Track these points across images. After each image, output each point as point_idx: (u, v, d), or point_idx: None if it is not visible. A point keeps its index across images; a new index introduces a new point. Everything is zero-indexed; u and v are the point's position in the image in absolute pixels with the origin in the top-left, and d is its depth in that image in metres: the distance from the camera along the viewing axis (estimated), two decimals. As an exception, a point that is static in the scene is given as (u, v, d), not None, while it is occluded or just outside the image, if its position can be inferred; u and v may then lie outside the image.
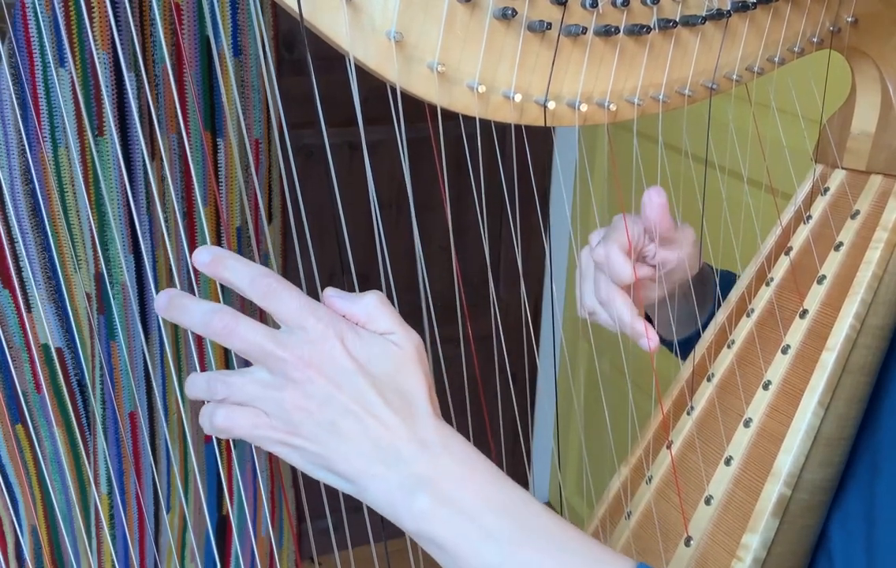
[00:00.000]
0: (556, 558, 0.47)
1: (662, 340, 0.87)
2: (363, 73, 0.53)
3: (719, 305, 0.80)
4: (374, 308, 0.50)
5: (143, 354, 1.61)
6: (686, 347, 0.84)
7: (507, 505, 0.48)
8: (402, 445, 0.47)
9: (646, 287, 0.77)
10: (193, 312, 0.48)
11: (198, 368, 0.52)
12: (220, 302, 0.49)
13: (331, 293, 0.50)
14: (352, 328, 0.48)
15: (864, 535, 0.63)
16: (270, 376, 0.47)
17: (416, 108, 0.56)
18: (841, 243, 0.72)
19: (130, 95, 1.46)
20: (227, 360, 1.71)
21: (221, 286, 1.77)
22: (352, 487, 0.48)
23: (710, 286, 0.83)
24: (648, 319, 0.89)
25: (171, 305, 0.49)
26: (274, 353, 0.47)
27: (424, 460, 0.47)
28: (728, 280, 0.85)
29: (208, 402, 0.49)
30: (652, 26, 0.60)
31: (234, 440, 1.82)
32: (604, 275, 0.74)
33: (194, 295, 0.51)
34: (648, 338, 0.70)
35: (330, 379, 0.47)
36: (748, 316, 0.75)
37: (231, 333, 0.47)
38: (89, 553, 1.66)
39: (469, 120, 0.57)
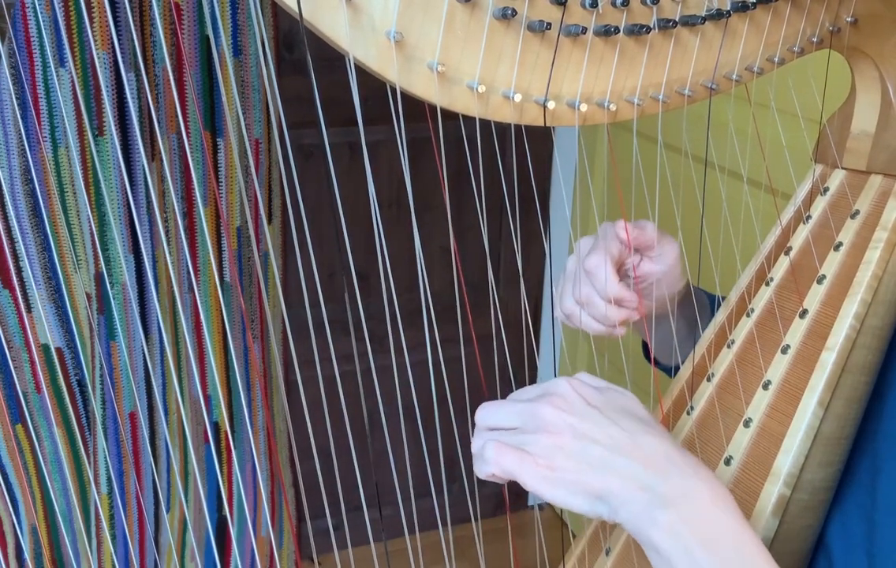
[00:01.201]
0: None
1: (658, 365, 0.87)
2: (363, 73, 0.53)
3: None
4: (587, 378, 0.57)
5: (143, 354, 1.61)
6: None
7: (745, 554, 0.50)
8: (648, 464, 0.51)
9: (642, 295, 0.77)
10: (475, 445, 0.55)
11: (195, 369, 0.52)
12: (220, 303, 0.50)
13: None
14: (582, 382, 0.55)
15: (864, 536, 0.63)
16: (529, 425, 0.53)
17: (416, 109, 0.56)
18: (841, 243, 0.72)
19: (130, 95, 1.46)
20: (227, 362, 1.71)
21: (221, 288, 1.75)
22: (606, 509, 0.51)
23: (703, 309, 0.83)
24: (645, 345, 0.89)
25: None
26: (530, 411, 0.54)
27: (670, 479, 0.51)
28: (711, 301, 0.85)
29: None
30: (652, 26, 0.60)
31: (233, 441, 1.80)
32: (586, 278, 0.74)
33: (194, 295, 0.51)
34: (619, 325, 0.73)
35: (577, 415, 0.53)
36: (748, 316, 0.75)
37: (497, 417, 0.55)
38: (89, 553, 1.66)
39: (469, 120, 0.57)
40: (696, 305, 0.81)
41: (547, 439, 0.52)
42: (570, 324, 0.76)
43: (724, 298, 0.80)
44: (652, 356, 0.87)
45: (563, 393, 0.54)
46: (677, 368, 0.80)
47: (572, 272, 0.76)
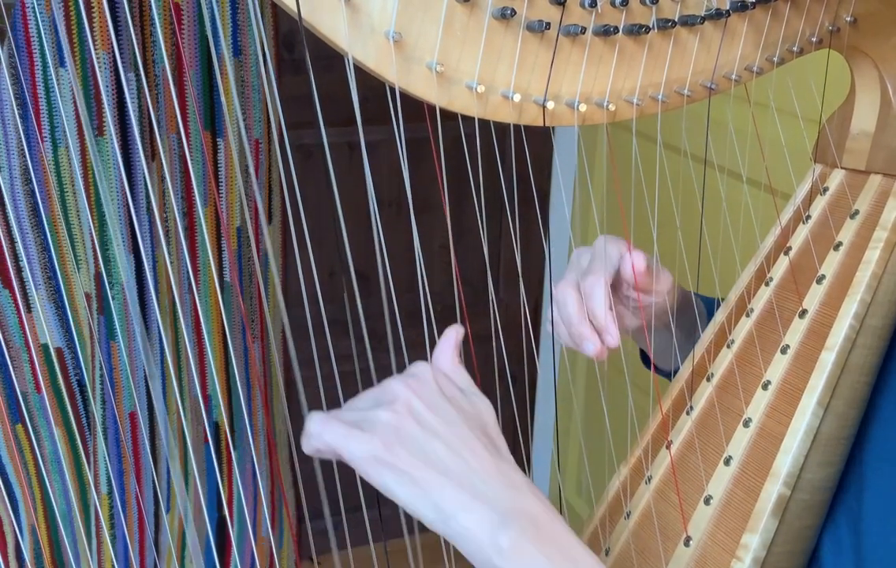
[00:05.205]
0: None
1: (659, 370, 0.87)
2: (362, 72, 0.53)
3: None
4: (461, 373, 0.54)
5: (143, 354, 1.61)
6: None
7: (577, 558, 0.48)
8: (491, 480, 0.48)
9: (623, 314, 0.77)
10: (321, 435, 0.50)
11: (194, 369, 0.53)
12: (219, 304, 0.50)
13: (453, 332, 0.56)
14: (447, 377, 0.53)
15: (853, 545, 0.63)
16: (377, 402, 0.50)
17: (416, 108, 0.56)
18: (840, 243, 0.72)
19: (130, 96, 1.46)
20: (227, 362, 1.71)
21: (221, 288, 1.74)
22: (434, 514, 0.47)
23: (702, 318, 0.83)
24: (644, 354, 0.88)
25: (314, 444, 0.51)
26: (381, 387, 0.51)
27: (513, 499, 0.48)
28: (709, 306, 0.85)
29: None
30: (651, 26, 0.60)
31: (233, 442, 1.81)
32: (573, 276, 0.72)
33: (194, 296, 0.52)
34: (605, 338, 0.68)
35: (426, 400, 0.49)
36: (747, 316, 0.75)
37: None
38: (89, 554, 1.66)
39: (468, 120, 0.56)
40: (695, 312, 0.81)
41: (387, 415, 0.48)
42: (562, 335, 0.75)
43: (723, 300, 0.80)
44: (652, 363, 0.87)
45: (422, 375, 0.51)
46: (676, 371, 0.80)
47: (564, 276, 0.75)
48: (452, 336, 0.56)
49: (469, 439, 0.49)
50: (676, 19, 0.61)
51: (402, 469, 0.47)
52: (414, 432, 0.48)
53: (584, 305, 0.69)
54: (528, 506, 0.48)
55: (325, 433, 0.48)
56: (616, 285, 0.73)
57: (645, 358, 0.89)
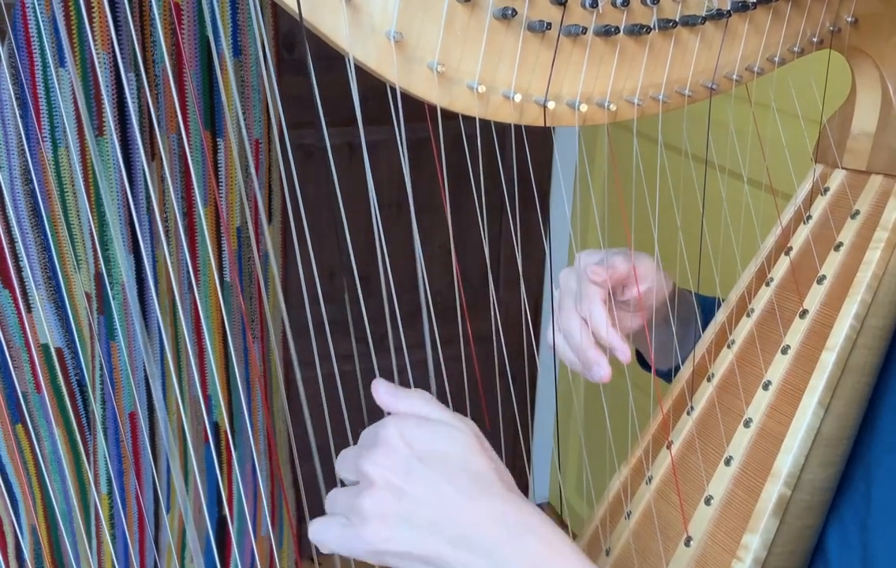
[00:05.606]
0: None
1: (658, 372, 0.87)
2: (363, 73, 0.53)
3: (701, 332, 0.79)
4: (422, 407, 0.52)
5: (143, 354, 1.61)
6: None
7: None
8: (481, 528, 0.48)
9: (622, 319, 0.77)
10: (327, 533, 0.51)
11: (195, 368, 0.53)
12: (220, 303, 0.50)
13: (381, 389, 0.53)
14: (413, 421, 0.50)
15: (860, 543, 0.63)
16: (355, 487, 0.50)
17: (416, 109, 0.56)
18: (841, 243, 0.72)
19: (130, 95, 1.46)
20: (227, 362, 1.71)
21: (221, 288, 1.74)
22: None
23: (689, 309, 0.83)
24: (640, 354, 0.88)
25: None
26: (358, 467, 0.50)
27: (506, 543, 0.48)
28: (709, 306, 0.85)
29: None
30: (652, 26, 0.60)
31: (233, 441, 1.81)
32: (569, 302, 0.73)
33: (194, 295, 0.52)
34: (618, 355, 0.70)
35: (400, 473, 0.48)
36: (748, 316, 0.75)
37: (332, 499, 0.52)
38: (89, 553, 1.66)
39: (469, 120, 0.56)
40: (684, 303, 0.81)
41: (369, 504, 0.48)
42: (560, 353, 0.76)
43: (723, 300, 0.80)
44: (653, 366, 0.87)
45: (388, 442, 0.49)
46: (677, 369, 0.80)
47: (558, 303, 0.76)
48: (381, 387, 0.54)
49: (451, 495, 0.48)
50: (677, 19, 0.61)
51: (398, 552, 0.48)
52: (398, 511, 0.48)
53: (588, 329, 0.70)
54: (525, 547, 0.48)
55: (326, 541, 0.50)
56: (611, 293, 0.73)
57: (642, 360, 0.90)
